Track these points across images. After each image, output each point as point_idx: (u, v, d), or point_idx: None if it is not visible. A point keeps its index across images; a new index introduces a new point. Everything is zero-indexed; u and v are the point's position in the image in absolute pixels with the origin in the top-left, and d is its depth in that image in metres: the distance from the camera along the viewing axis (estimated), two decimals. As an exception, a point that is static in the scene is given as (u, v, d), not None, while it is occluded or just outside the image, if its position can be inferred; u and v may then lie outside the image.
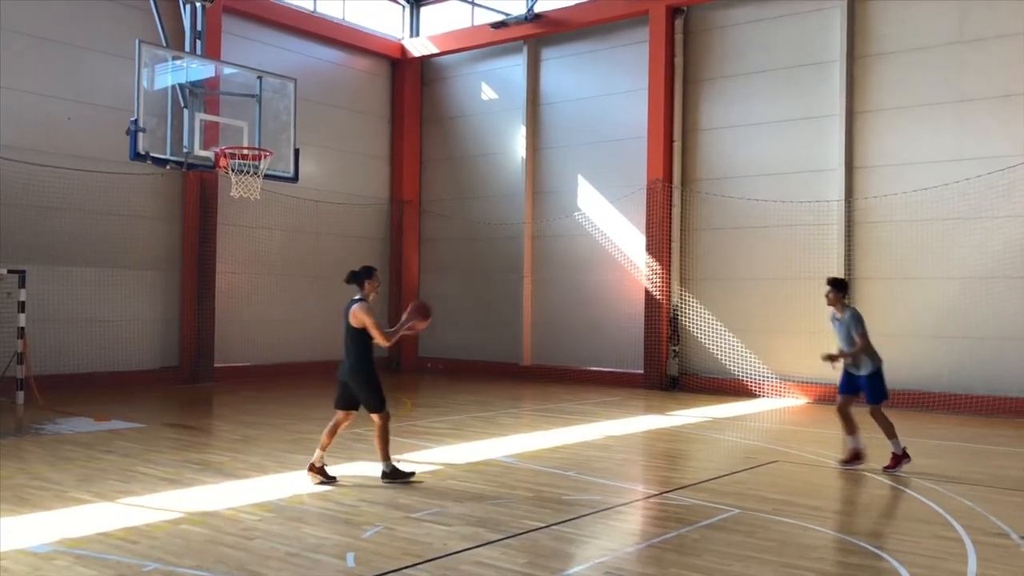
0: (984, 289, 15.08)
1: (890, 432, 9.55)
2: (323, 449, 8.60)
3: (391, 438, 8.82)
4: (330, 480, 8.51)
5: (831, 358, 9.75)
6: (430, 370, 22.16)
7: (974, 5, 15.39)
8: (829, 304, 9.92)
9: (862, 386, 9.69)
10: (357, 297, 8.66)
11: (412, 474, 8.76)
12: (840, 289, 9.85)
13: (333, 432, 8.72)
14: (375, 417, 8.61)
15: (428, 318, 8.67)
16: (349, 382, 8.63)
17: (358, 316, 8.50)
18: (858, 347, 9.56)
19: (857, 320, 9.63)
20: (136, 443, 10.76)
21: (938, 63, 15.72)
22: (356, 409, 8.74)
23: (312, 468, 8.55)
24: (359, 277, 8.69)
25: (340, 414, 8.76)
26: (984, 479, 9.30)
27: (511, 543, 6.50)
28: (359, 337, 8.58)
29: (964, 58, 15.48)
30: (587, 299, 19.99)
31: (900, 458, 9.50)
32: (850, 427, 9.77)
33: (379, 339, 8.48)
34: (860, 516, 7.77)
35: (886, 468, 9.49)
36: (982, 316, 15.10)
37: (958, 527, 7.16)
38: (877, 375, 9.66)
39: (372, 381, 8.59)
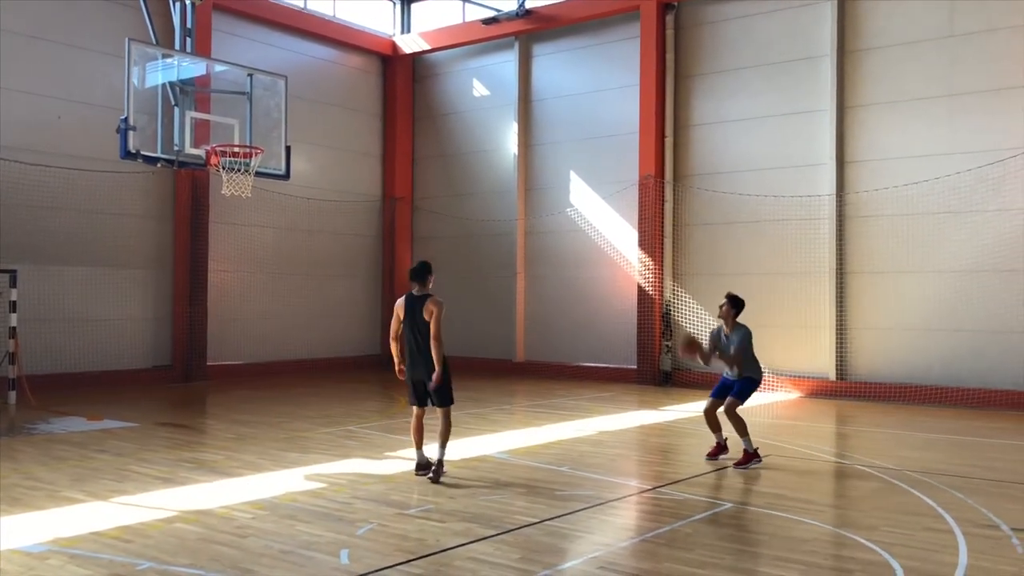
0: (975, 282, 15.15)
1: (743, 431, 9.48)
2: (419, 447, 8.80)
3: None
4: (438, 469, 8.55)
5: (691, 343, 9.68)
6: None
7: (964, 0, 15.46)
8: (720, 317, 9.77)
9: (734, 385, 9.58)
10: (419, 292, 8.54)
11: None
12: (735, 306, 9.68)
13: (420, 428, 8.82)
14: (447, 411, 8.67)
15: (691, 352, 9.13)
16: (426, 379, 8.53)
17: (431, 309, 8.37)
18: (734, 358, 9.48)
19: (744, 338, 9.50)
20: (129, 442, 10.74)
21: (928, 57, 15.76)
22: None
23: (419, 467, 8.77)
24: (423, 273, 8.59)
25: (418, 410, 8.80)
26: (975, 471, 9.35)
27: (505, 539, 6.52)
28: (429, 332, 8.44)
29: (954, 52, 15.52)
30: (580, 295, 20.01)
31: (752, 456, 9.45)
32: (737, 425, 9.56)
33: (435, 335, 8.34)
34: (852, 509, 7.80)
35: (737, 464, 9.41)
36: (973, 309, 15.17)
37: (949, 519, 7.20)
38: (751, 381, 9.59)
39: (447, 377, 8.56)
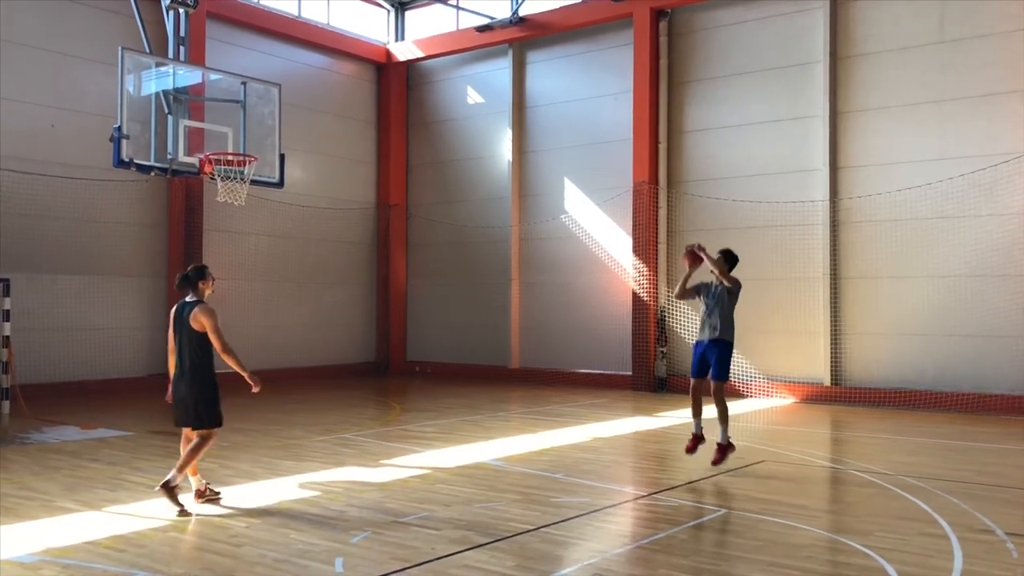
0: (968, 287, 15.19)
1: (724, 419, 9.48)
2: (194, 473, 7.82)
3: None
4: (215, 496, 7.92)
5: (698, 249, 9.66)
6: (418, 374, 22.13)
7: (955, 6, 15.51)
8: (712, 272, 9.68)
9: (713, 356, 9.48)
10: (192, 299, 7.80)
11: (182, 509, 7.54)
12: (730, 262, 9.66)
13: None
14: (206, 433, 7.76)
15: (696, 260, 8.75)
16: (186, 397, 7.72)
17: (199, 319, 7.64)
18: (732, 279, 9.46)
19: (736, 286, 9.52)
20: (123, 451, 10.71)
21: (920, 63, 15.83)
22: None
23: (198, 494, 7.84)
24: (193, 279, 7.82)
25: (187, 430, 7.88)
26: (970, 476, 9.36)
27: (500, 546, 6.51)
28: (204, 343, 7.71)
29: (946, 58, 15.59)
30: (574, 302, 20.02)
31: (726, 448, 9.48)
32: (721, 410, 9.59)
33: (218, 346, 7.66)
34: (847, 515, 7.80)
35: (714, 462, 9.47)
36: (967, 314, 15.20)
37: (944, 524, 7.21)
38: (729, 348, 9.53)
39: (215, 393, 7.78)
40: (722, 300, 9.59)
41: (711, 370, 9.53)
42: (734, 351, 9.76)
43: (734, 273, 9.71)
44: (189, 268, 8.04)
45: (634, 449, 11.62)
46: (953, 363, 15.28)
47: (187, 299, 7.86)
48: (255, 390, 7.87)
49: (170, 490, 7.51)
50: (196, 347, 7.71)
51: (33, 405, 14.05)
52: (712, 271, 9.64)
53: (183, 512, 7.42)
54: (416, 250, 22.93)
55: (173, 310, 7.92)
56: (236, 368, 7.72)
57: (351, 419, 13.86)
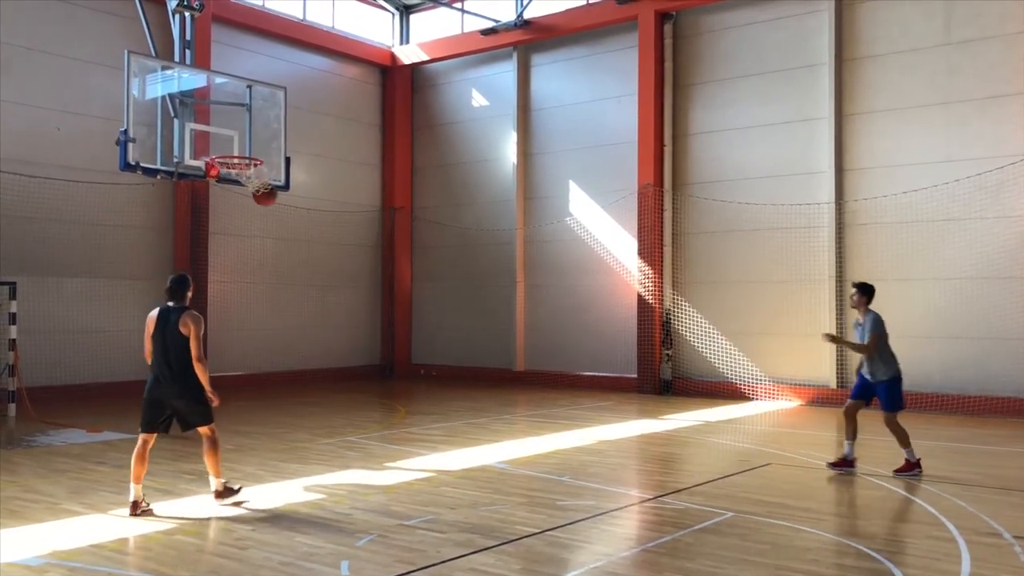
0: (975, 290, 15.14)
1: (904, 441, 9.50)
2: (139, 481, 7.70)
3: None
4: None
5: (832, 338, 10.17)
6: (423, 377, 22.13)
7: (960, 7, 15.48)
8: (853, 307, 9.89)
9: (879, 394, 9.61)
10: (177, 304, 7.83)
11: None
12: (865, 293, 9.74)
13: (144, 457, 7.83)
14: (210, 430, 7.96)
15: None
16: (175, 399, 7.77)
17: (188, 323, 7.68)
18: (868, 347, 9.47)
19: (875, 323, 9.56)
20: (129, 454, 10.59)
21: (926, 65, 15.80)
22: (167, 431, 8.00)
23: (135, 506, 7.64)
24: (183, 288, 7.88)
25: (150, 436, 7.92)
26: (977, 479, 9.33)
27: (505, 549, 6.49)
28: (188, 348, 7.72)
29: (952, 60, 15.56)
30: (580, 304, 20.00)
31: (913, 465, 9.48)
32: (850, 431, 9.70)
33: (196, 352, 7.70)
34: (854, 518, 7.78)
35: (897, 471, 9.46)
36: (973, 317, 15.16)
37: (951, 527, 7.18)
38: (894, 382, 9.58)
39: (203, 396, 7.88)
40: (868, 330, 9.58)
41: (881, 404, 9.59)
42: (900, 381, 9.71)
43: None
44: (178, 275, 8.07)
45: (640, 452, 11.60)
46: (959, 366, 15.23)
47: (171, 304, 7.84)
48: (215, 404, 7.93)
49: (225, 492, 7.97)
50: (183, 350, 7.72)
51: (39, 408, 14.08)
52: (847, 345, 9.81)
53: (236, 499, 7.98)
54: (421, 253, 22.94)
55: (154, 314, 7.86)
56: (202, 377, 7.75)
57: (356, 422, 13.86)
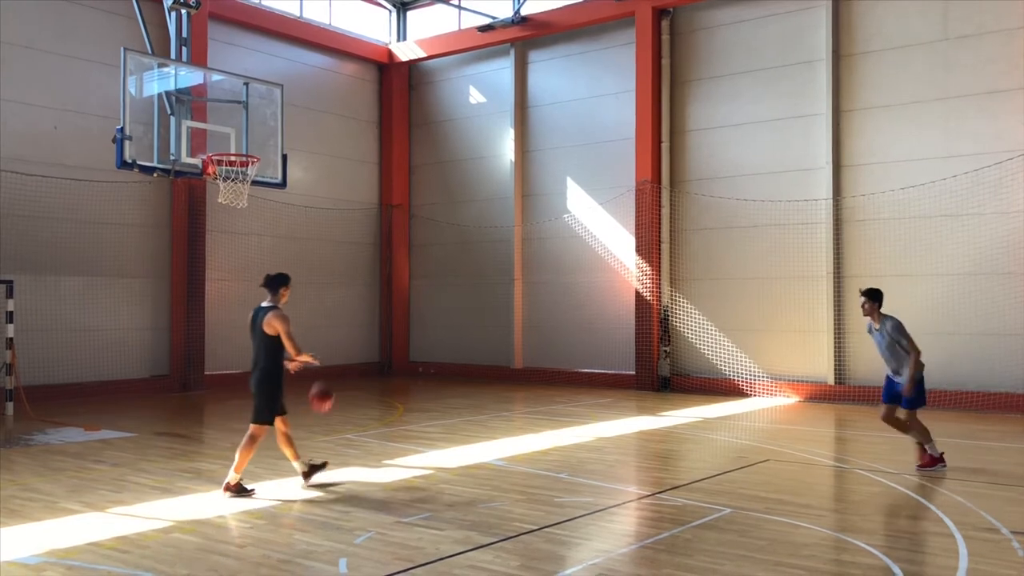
0: (973, 285, 15.16)
1: (926, 437, 9.50)
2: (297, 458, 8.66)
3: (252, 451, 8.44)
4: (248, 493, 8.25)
5: (907, 389, 9.47)
6: (421, 374, 22.13)
7: (958, 3, 15.47)
8: (865, 315, 9.77)
9: (897, 386, 9.58)
10: (268, 304, 8.37)
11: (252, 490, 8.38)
12: (875, 299, 9.65)
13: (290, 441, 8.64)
14: (255, 429, 8.34)
15: (325, 400, 8.61)
16: (253, 390, 8.40)
17: (272, 323, 8.18)
18: (913, 360, 9.36)
19: (900, 329, 9.49)
20: (127, 452, 10.71)
21: (923, 61, 15.80)
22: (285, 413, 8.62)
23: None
24: (276, 284, 8.43)
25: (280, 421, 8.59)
26: (975, 474, 9.34)
27: (504, 546, 6.49)
28: (273, 346, 8.28)
29: (949, 55, 15.56)
30: (578, 301, 20.00)
31: (937, 460, 9.48)
32: (918, 432, 9.58)
33: (291, 349, 8.23)
34: (852, 513, 7.78)
35: (921, 466, 9.46)
36: (972, 312, 15.17)
37: (949, 523, 7.19)
38: (919, 384, 9.52)
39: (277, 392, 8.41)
40: (890, 343, 9.53)
41: (902, 401, 9.54)
42: (923, 379, 9.62)
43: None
44: (274, 274, 8.55)
45: (638, 448, 11.61)
46: (958, 361, 15.24)
47: (263, 304, 8.39)
48: (315, 362, 8.37)
49: (310, 470, 8.60)
50: (265, 349, 8.27)
51: (37, 407, 14.07)
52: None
53: (310, 473, 8.61)
54: (419, 250, 22.93)
55: (251, 314, 8.48)
56: (308, 360, 8.31)
57: (354, 419, 13.87)
